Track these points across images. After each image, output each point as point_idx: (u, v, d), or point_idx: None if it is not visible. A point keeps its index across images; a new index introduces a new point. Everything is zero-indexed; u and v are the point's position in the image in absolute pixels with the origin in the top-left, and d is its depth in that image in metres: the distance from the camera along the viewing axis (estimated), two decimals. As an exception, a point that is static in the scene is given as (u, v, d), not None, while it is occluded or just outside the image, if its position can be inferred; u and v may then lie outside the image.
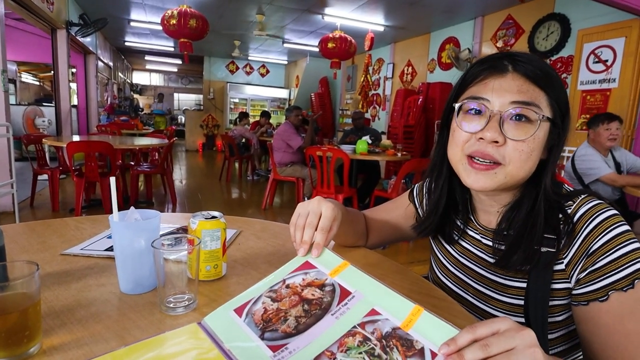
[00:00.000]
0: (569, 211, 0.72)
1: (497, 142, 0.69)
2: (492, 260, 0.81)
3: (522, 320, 0.76)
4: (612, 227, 0.67)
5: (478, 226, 0.85)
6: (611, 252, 0.66)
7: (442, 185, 0.87)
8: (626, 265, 0.64)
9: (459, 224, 0.89)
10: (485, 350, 0.45)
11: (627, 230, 0.67)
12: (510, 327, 0.47)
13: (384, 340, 0.53)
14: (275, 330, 0.58)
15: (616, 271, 0.65)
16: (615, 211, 0.69)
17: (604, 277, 0.66)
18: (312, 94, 10.78)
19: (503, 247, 0.77)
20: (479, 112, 0.72)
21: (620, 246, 0.65)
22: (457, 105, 0.75)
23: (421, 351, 0.51)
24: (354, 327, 0.57)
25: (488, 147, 0.70)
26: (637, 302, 0.63)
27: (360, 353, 0.52)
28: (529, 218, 0.73)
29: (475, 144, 0.71)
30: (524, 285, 0.76)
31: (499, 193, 0.78)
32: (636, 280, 0.63)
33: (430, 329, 0.54)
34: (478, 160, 0.72)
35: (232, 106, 12.75)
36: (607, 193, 3.10)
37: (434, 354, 0.50)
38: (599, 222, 0.68)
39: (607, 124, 3.03)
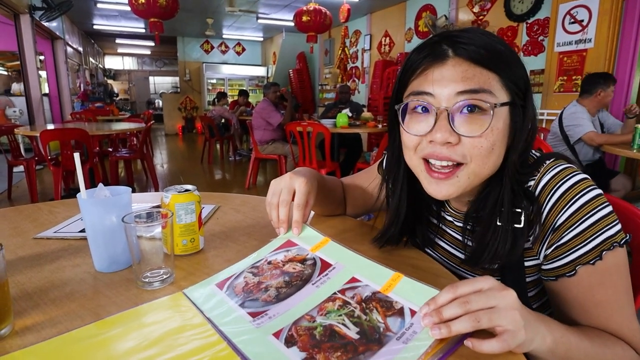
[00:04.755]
0: (532, 183, 0.66)
1: (450, 142, 0.61)
2: (462, 239, 0.78)
3: None
4: (576, 197, 0.62)
5: (450, 209, 0.80)
6: (576, 225, 0.61)
7: (401, 191, 0.77)
8: (592, 237, 0.61)
9: (434, 221, 0.83)
10: (464, 307, 0.46)
11: (593, 198, 0.61)
12: (492, 286, 0.48)
13: (363, 303, 0.54)
14: (255, 300, 0.58)
15: (582, 245, 0.61)
16: (581, 176, 0.63)
17: (571, 251, 0.62)
18: (290, 71, 10.62)
19: (472, 229, 0.74)
20: (425, 110, 0.64)
21: (585, 217, 0.61)
22: (399, 108, 0.67)
23: (400, 310, 0.52)
24: (334, 293, 0.58)
25: (443, 149, 0.62)
26: (605, 273, 0.61)
27: (340, 315, 0.52)
28: (497, 203, 0.67)
29: (428, 146, 0.64)
30: (496, 266, 0.72)
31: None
32: (603, 252, 0.60)
33: (410, 291, 0.55)
34: (436, 167, 0.65)
35: (210, 87, 12.50)
36: (588, 154, 3.16)
37: (413, 312, 0.51)
38: (563, 192, 0.62)
39: (613, 85, 3.07)
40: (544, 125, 4.73)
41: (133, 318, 0.55)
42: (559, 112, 3.31)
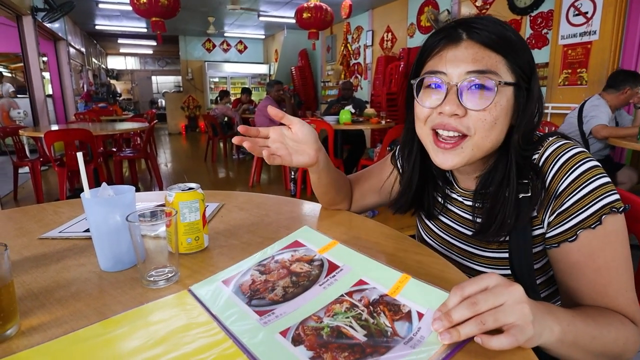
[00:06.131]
0: (536, 156, 0.71)
1: (457, 114, 0.67)
2: (471, 218, 0.81)
3: (508, 272, 0.77)
4: (576, 166, 0.66)
5: (459, 189, 0.85)
6: (577, 191, 0.65)
7: (414, 162, 0.85)
8: (593, 203, 0.64)
9: (439, 199, 0.89)
10: (472, 309, 0.46)
11: (593, 167, 0.66)
12: (498, 283, 0.48)
13: (371, 307, 0.54)
14: (262, 298, 0.58)
15: (583, 210, 0.65)
16: (580, 149, 0.68)
17: (572, 217, 0.66)
18: (292, 68, 10.61)
19: (481, 206, 0.77)
20: (438, 86, 0.70)
21: (585, 184, 0.65)
22: (415, 83, 0.74)
23: (408, 314, 0.52)
24: (342, 295, 0.57)
25: (450, 120, 0.68)
26: (605, 238, 0.64)
27: (347, 317, 0.52)
28: (504, 178, 0.72)
29: (437, 117, 0.70)
30: (505, 238, 0.76)
31: (473, 164, 0.75)
32: (603, 216, 0.63)
33: (417, 293, 0.55)
34: (443, 137, 0.71)
35: (212, 86, 12.52)
36: (598, 149, 3.14)
37: (420, 315, 0.51)
38: (564, 161, 0.67)
39: None
40: (549, 119, 4.70)
41: (138, 317, 0.55)
42: (566, 105, 3.28)
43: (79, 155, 0.64)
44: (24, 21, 6.27)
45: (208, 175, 5.92)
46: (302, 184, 4.26)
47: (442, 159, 0.71)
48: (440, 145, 0.71)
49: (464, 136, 0.69)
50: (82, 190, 0.68)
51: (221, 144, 7.75)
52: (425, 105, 0.72)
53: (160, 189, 4.87)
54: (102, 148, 4.67)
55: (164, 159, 7.41)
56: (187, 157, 7.71)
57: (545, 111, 4.78)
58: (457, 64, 0.67)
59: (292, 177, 4.35)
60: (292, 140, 0.83)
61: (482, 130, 0.67)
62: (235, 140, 0.77)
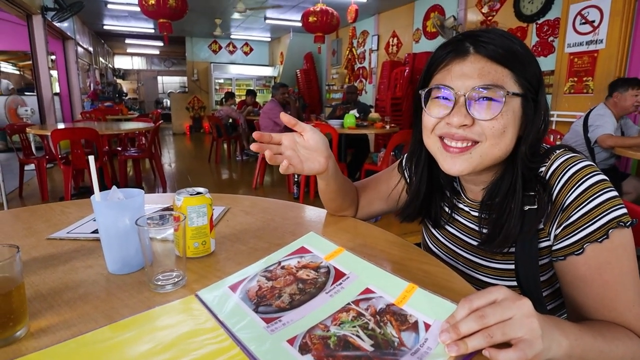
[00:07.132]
0: (543, 169, 0.71)
1: (465, 124, 0.68)
2: (477, 228, 0.81)
3: (514, 283, 0.77)
4: (583, 179, 0.66)
5: (466, 199, 0.85)
6: (584, 204, 0.65)
7: (422, 171, 0.86)
8: (600, 216, 0.64)
9: (446, 209, 0.89)
10: (480, 322, 0.46)
11: (600, 180, 0.66)
12: (507, 297, 0.47)
13: (377, 316, 0.54)
14: (269, 305, 0.58)
15: (590, 223, 0.64)
16: (588, 162, 0.68)
17: (579, 230, 0.66)
18: (297, 71, 10.63)
19: (488, 217, 0.77)
20: (445, 98, 0.71)
21: (593, 197, 0.65)
22: (423, 93, 0.75)
23: (415, 324, 0.52)
24: (348, 304, 0.57)
25: (459, 131, 0.69)
26: (613, 252, 0.64)
27: (354, 327, 0.52)
28: (510, 189, 0.72)
29: (445, 127, 0.71)
30: (511, 250, 0.76)
31: (480, 173, 0.76)
32: (610, 230, 0.63)
33: (424, 304, 0.55)
34: (451, 143, 0.71)
35: (217, 87, 12.55)
36: (603, 158, 3.13)
37: (427, 326, 0.51)
38: (570, 175, 0.67)
39: (637, 90, 3.01)
40: (554, 127, 4.68)
41: (146, 321, 0.55)
42: (571, 113, 3.27)
43: (91, 159, 0.64)
44: (33, 20, 6.32)
45: (212, 176, 5.93)
46: (305, 187, 4.27)
47: (450, 164, 0.72)
48: (449, 150, 0.71)
49: (474, 143, 0.69)
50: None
51: (225, 145, 7.77)
52: (433, 115, 0.72)
53: (164, 189, 4.89)
54: (107, 147, 4.69)
55: (168, 159, 7.43)
56: (191, 158, 7.73)
57: (551, 119, 4.77)
58: (464, 79, 0.68)
59: (296, 180, 4.36)
60: (303, 148, 0.83)
61: (492, 137, 0.68)
62: (253, 147, 0.78)
